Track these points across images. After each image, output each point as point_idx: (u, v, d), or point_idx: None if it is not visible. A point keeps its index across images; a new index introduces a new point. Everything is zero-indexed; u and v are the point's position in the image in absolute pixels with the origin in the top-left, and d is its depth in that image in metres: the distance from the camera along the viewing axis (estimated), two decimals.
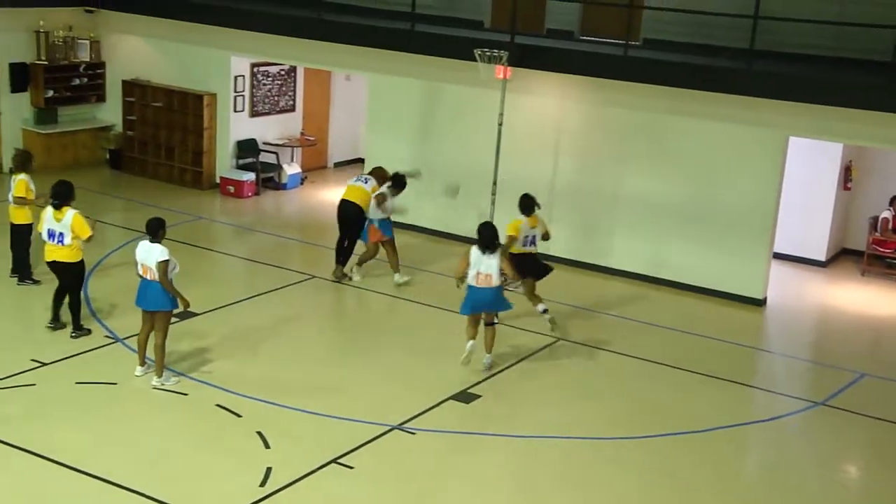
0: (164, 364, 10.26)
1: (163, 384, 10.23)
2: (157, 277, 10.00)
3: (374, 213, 13.35)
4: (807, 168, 15.02)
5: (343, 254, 13.66)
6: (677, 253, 14.11)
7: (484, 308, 11.04)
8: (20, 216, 12.25)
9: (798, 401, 11.08)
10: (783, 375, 12.11)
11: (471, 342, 11.00)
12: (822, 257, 15.64)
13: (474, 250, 10.84)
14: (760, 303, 13.80)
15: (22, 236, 12.40)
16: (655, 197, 14.10)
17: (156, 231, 10.08)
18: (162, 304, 10.10)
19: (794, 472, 9.63)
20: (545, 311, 12.18)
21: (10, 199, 12.18)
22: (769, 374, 12.21)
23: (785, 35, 13.26)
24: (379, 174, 13.70)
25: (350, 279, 13.60)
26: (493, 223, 11.18)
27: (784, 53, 13.36)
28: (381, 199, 13.25)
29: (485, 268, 10.76)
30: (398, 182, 13.41)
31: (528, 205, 11.97)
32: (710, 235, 13.84)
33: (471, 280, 10.86)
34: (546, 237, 12.07)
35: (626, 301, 13.69)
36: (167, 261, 9.97)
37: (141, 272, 10.15)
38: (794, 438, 10.40)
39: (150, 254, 10.04)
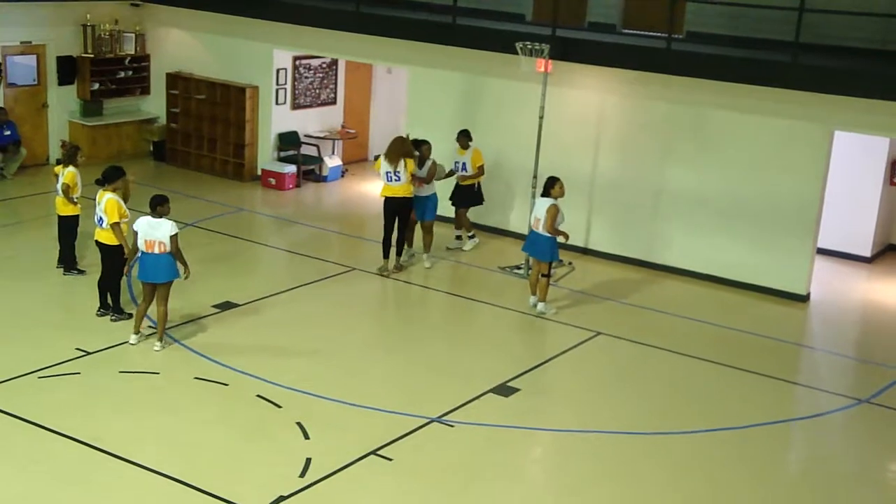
0: (165, 329, 10.83)
1: (163, 348, 10.74)
2: (165, 251, 10.44)
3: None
4: (852, 163, 14.82)
5: (397, 244, 13.66)
6: (720, 248, 13.99)
7: (533, 250, 12.39)
8: (67, 208, 12.42)
9: (842, 398, 10.95)
10: (826, 372, 11.97)
11: (532, 297, 12.62)
12: (868, 253, 15.44)
13: (538, 196, 12.46)
14: (804, 298, 13.65)
15: (69, 228, 12.57)
16: (698, 191, 13.99)
17: (154, 207, 10.50)
18: (170, 275, 10.60)
19: (836, 470, 9.53)
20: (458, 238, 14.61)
21: (58, 189, 12.35)
22: (812, 371, 12.08)
23: (830, 28, 13.09)
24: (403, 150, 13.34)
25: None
26: (555, 176, 12.29)
27: (829, 46, 13.19)
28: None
29: (537, 212, 12.24)
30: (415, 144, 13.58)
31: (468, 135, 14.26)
32: (754, 230, 13.71)
33: (531, 222, 12.44)
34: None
35: (667, 295, 13.60)
36: (177, 234, 10.48)
37: (145, 248, 10.51)
38: (836, 436, 10.28)
39: (157, 229, 10.46)
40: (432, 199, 13.75)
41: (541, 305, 12.50)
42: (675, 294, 13.70)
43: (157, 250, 10.47)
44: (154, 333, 10.98)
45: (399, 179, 13.12)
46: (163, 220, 10.47)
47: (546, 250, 12.27)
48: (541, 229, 12.15)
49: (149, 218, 10.51)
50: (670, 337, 12.18)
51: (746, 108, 13.44)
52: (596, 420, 10.03)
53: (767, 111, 13.31)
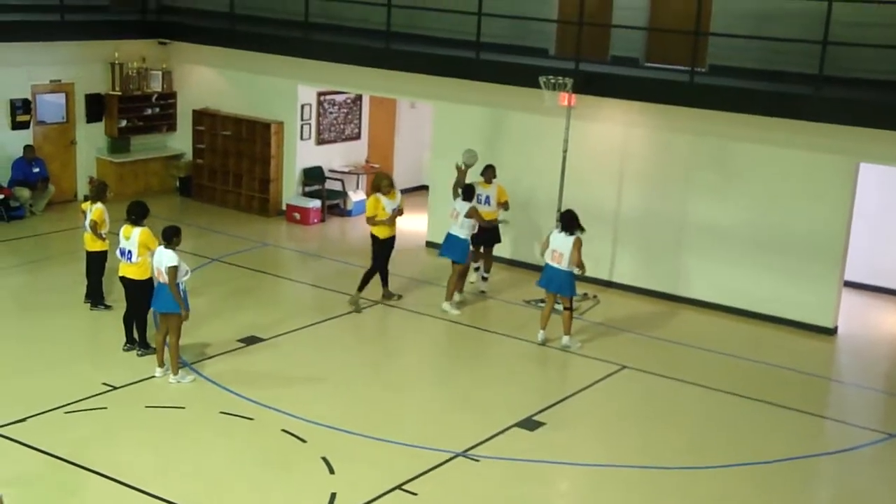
0: (178, 363, 10.90)
1: (178, 381, 10.85)
2: (167, 281, 10.56)
3: (467, 231, 13.46)
4: (879, 194, 14.73)
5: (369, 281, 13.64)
6: (746, 280, 13.91)
7: (552, 285, 12.31)
8: (95, 244, 12.52)
9: (872, 432, 10.82)
10: (855, 406, 11.83)
11: (541, 332, 12.54)
12: None
13: (554, 231, 12.37)
14: (831, 332, 13.54)
15: (97, 263, 12.67)
16: (723, 224, 13.94)
17: (170, 238, 10.69)
18: (173, 306, 10.66)
19: None
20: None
21: (87, 226, 12.46)
22: (841, 405, 11.95)
23: (855, 60, 13.06)
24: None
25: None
26: (573, 210, 12.35)
27: (854, 79, 13.16)
28: (473, 213, 13.43)
29: (559, 247, 12.16)
30: (469, 192, 13.52)
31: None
32: (780, 263, 13.63)
33: (546, 257, 12.34)
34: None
35: (693, 328, 13.52)
36: (175, 266, 10.52)
37: (156, 276, 10.79)
38: (867, 471, 10.15)
39: (162, 259, 10.65)
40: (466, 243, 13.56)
41: (566, 339, 12.46)
42: (700, 327, 13.62)
43: (161, 280, 10.71)
44: (182, 367, 11.04)
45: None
46: (167, 251, 10.64)
47: (568, 285, 12.27)
48: (564, 264, 12.14)
49: (161, 247, 10.75)
50: (697, 370, 12.10)
51: (770, 140, 13.41)
52: (622, 454, 9.95)
53: (792, 143, 13.28)
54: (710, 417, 10.96)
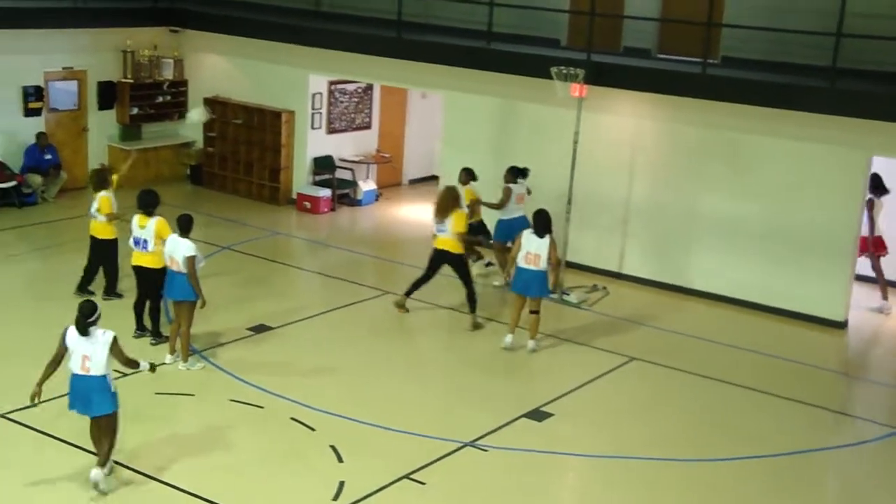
0: (188, 350, 10.99)
1: (188, 369, 10.91)
2: (182, 269, 10.60)
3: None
4: (889, 187, 14.64)
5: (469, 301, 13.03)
6: (755, 273, 13.88)
7: (528, 289, 11.88)
8: (105, 231, 12.46)
9: (880, 426, 10.80)
10: (864, 400, 11.83)
11: (510, 336, 12.07)
12: None
13: (527, 233, 11.86)
14: (841, 325, 13.50)
15: (107, 251, 12.60)
16: (733, 216, 13.91)
17: (185, 226, 10.72)
18: (186, 294, 10.74)
19: (876, 501, 9.39)
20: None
21: (94, 214, 12.35)
22: (850, 399, 11.94)
23: (868, 52, 13.00)
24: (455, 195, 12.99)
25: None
26: (547, 210, 11.91)
27: (867, 71, 13.10)
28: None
29: (534, 248, 11.72)
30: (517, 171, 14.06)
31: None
32: (790, 256, 13.60)
33: (520, 261, 11.81)
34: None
35: (702, 321, 13.51)
36: (194, 256, 10.58)
37: (169, 264, 10.80)
38: (877, 465, 10.13)
39: (177, 248, 10.67)
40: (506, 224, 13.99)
41: (532, 343, 12.09)
42: (709, 319, 13.60)
43: (174, 268, 10.75)
44: (192, 354, 11.08)
45: (445, 231, 12.63)
46: (183, 240, 10.68)
47: (545, 286, 12.08)
48: (542, 265, 11.78)
49: (175, 235, 10.77)
50: (705, 363, 12.09)
51: (782, 132, 13.37)
52: (630, 446, 9.96)
53: (803, 136, 13.23)
54: (718, 410, 10.96)
